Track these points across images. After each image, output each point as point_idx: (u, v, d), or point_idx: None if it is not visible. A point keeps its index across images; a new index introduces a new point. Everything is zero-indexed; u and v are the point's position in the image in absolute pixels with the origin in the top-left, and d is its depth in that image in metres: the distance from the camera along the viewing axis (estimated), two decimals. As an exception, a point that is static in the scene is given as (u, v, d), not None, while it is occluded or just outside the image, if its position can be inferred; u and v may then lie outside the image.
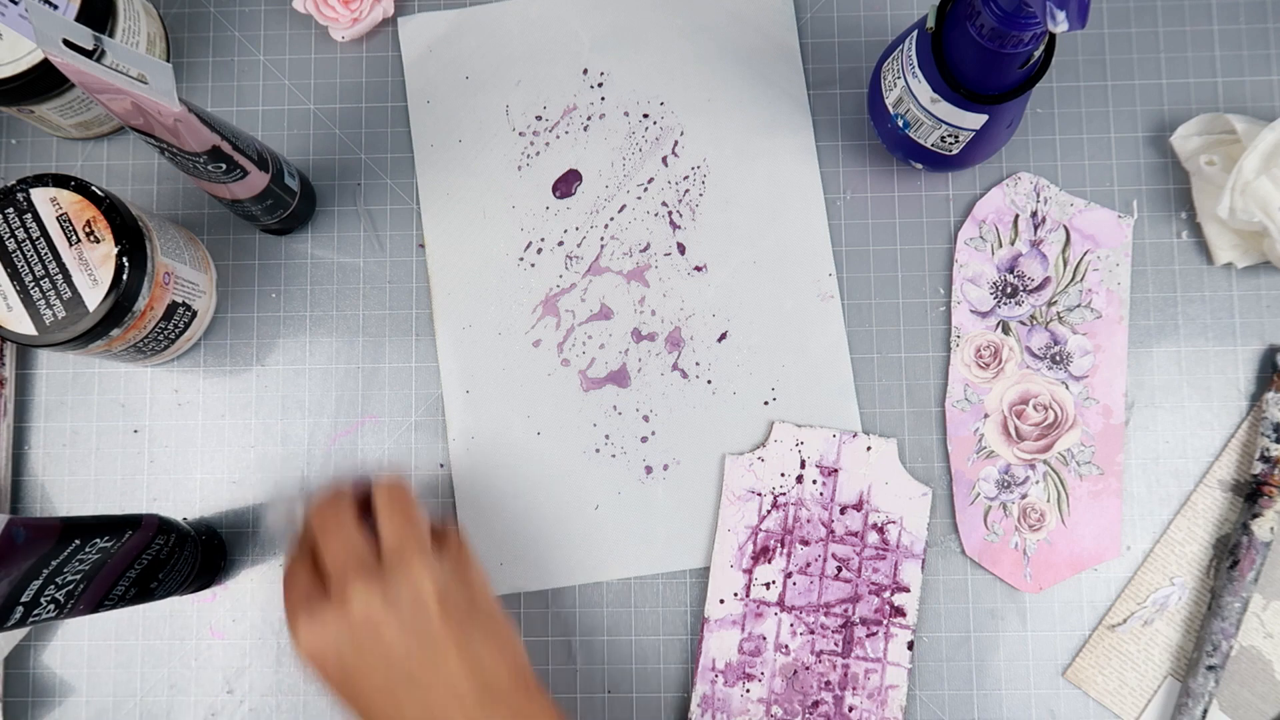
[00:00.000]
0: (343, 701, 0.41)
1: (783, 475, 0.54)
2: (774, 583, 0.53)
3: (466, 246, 0.57)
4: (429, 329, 0.56)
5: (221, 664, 0.55)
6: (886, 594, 0.53)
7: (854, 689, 0.53)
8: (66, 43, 0.42)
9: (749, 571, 0.54)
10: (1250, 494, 0.52)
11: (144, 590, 0.49)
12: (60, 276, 0.47)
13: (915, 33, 0.48)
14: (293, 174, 0.54)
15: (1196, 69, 0.57)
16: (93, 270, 0.47)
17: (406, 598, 0.40)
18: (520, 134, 0.57)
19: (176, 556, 0.50)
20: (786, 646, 0.53)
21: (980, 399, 0.55)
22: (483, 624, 0.42)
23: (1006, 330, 0.55)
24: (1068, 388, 0.54)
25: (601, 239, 0.56)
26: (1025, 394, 0.54)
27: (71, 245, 0.47)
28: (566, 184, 0.57)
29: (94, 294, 0.47)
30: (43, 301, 0.47)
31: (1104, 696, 0.53)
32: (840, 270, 0.56)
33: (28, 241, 0.47)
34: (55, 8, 0.49)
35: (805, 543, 0.54)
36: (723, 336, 0.56)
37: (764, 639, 0.53)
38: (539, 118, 0.57)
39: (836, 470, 0.54)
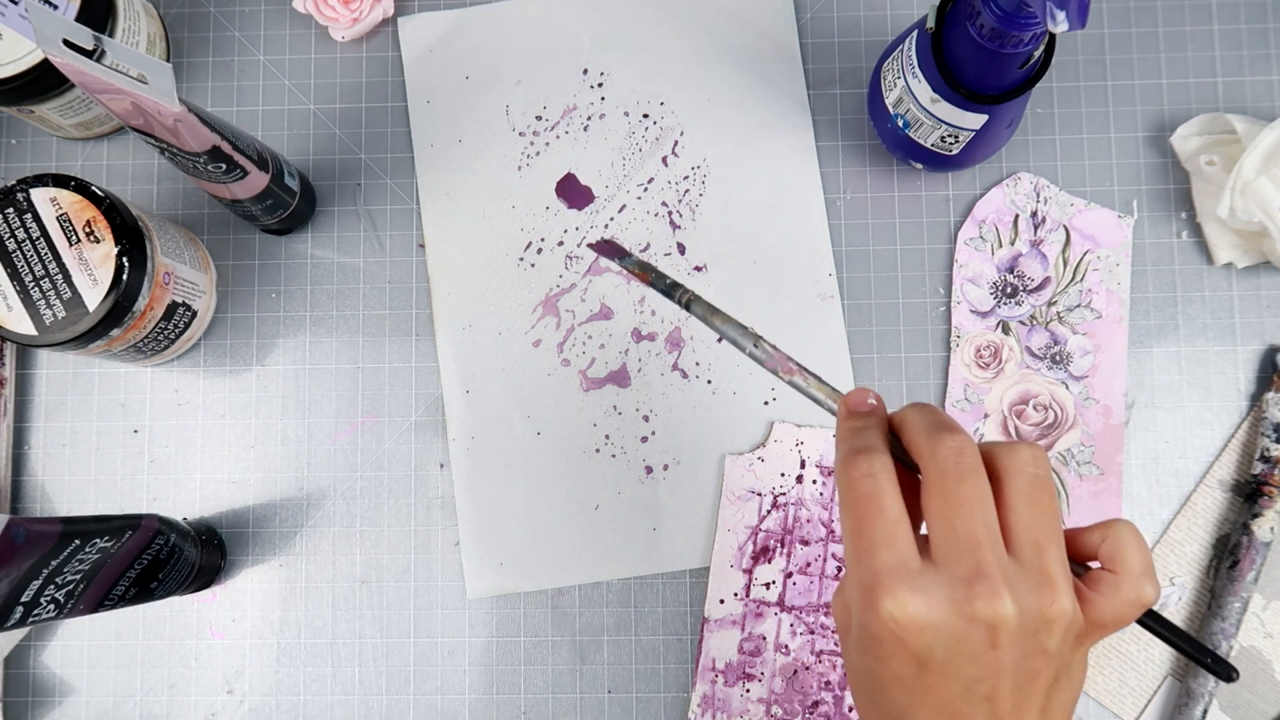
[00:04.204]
0: (875, 682, 0.34)
1: (783, 475, 0.54)
2: (774, 583, 0.53)
3: (466, 246, 0.57)
4: (429, 329, 0.56)
5: (221, 664, 0.55)
6: (886, 594, 0.53)
7: (854, 689, 0.53)
8: (66, 43, 0.42)
9: (749, 571, 0.54)
10: (1250, 494, 0.52)
11: (144, 590, 0.49)
12: (60, 276, 0.47)
13: (915, 33, 0.48)
14: (293, 174, 0.54)
15: (1196, 69, 0.57)
16: (93, 270, 0.47)
17: (1036, 618, 0.32)
18: (520, 134, 0.57)
19: (176, 556, 0.50)
20: (786, 646, 0.53)
21: (980, 399, 0.55)
22: (1075, 675, 0.35)
23: (1006, 330, 0.55)
24: (1068, 388, 0.54)
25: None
26: (1025, 394, 0.54)
27: (71, 245, 0.47)
28: (576, 194, 0.57)
29: (94, 294, 0.47)
30: (43, 301, 0.47)
31: (1104, 696, 0.53)
32: (840, 270, 0.56)
33: (28, 241, 0.47)
34: (55, 8, 0.49)
35: (805, 543, 0.54)
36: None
37: (764, 639, 0.53)
38: (539, 118, 0.57)
39: (836, 470, 0.54)
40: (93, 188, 0.48)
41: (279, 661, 0.55)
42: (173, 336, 0.53)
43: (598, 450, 0.55)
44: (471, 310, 0.56)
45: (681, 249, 0.56)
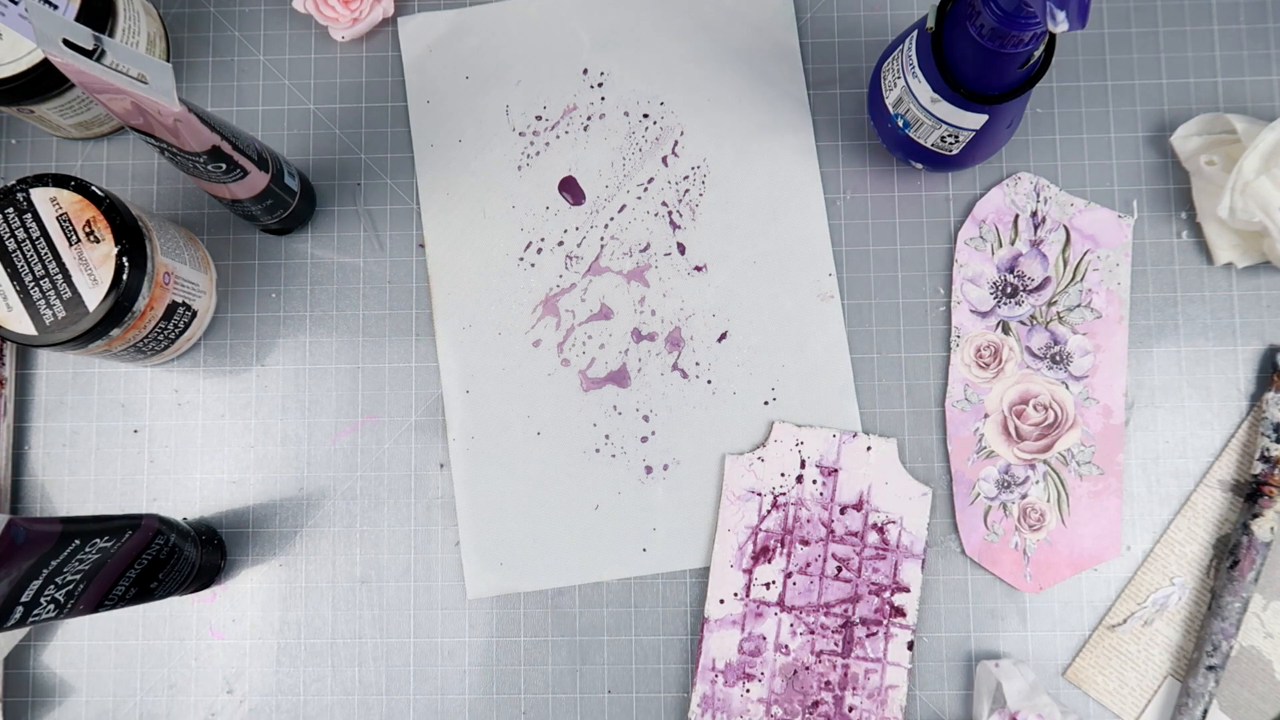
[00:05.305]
0: None
1: (783, 475, 0.54)
2: (774, 583, 0.53)
3: (466, 246, 0.57)
4: (429, 329, 0.56)
5: (221, 664, 0.55)
6: (886, 594, 0.53)
7: (854, 689, 0.53)
8: (66, 43, 0.42)
9: (749, 571, 0.54)
10: (1250, 494, 0.52)
11: (144, 590, 0.49)
12: (60, 276, 0.47)
13: (915, 33, 0.48)
14: (293, 174, 0.54)
15: (1196, 69, 0.57)
16: (93, 270, 0.47)
17: None
18: (520, 134, 0.57)
19: (176, 556, 0.50)
20: (786, 646, 0.53)
21: (980, 399, 0.55)
22: None
23: (1006, 330, 0.55)
24: (1068, 388, 0.54)
25: (601, 239, 0.56)
26: (1025, 394, 0.54)
27: (71, 245, 0.47)
28: (574, 191, 0.57)
29: (94, 294, 0.47)
30: (43, 301, 0.47)
31: (1104, 696, 0.53)
32: (840, 270, 0.56)
33: (28, 241, 0.47)
34: (55, 8, 0.49)
35: (805, 543, 0.54)
36: (723, 336, 0.56)
37: (764, 639, 0.53)
38: (539, 118, 0.57)
39: (836, 470, 0.54)
40: (93, 188, 0.48)
41: (279, 661, 0.55)
42: (173, 336, 0.53)
43: (597, 450, 0.55)
44: (471, 310, 0.56)
45: (681, 249, 0.56)
